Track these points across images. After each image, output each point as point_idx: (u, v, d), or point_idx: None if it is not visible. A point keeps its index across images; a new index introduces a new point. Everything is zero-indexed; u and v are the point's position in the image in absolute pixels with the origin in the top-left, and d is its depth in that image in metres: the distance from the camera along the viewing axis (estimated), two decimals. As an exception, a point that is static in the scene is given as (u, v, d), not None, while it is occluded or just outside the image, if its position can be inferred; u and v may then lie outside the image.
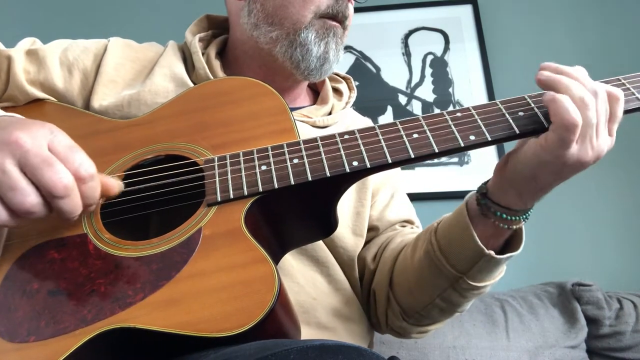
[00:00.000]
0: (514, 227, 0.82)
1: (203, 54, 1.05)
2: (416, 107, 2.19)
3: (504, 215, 0.80)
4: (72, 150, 0.67)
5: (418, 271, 0.92)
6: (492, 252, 0.82)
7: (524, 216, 0.81)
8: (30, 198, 0.63)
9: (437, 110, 2.13)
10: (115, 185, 0.74)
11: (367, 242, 1.08)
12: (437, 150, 0.74)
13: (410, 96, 2.21)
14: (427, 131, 0.76)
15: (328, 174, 0.74)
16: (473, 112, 0.77)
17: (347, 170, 0.74)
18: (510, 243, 0.86)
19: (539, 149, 0.72)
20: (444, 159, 2.11)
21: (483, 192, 0.82)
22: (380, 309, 1.03)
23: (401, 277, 0.97)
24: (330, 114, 1.11)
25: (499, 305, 1.66)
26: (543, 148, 0.72)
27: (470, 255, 0.84)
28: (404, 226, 1.11)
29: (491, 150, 2.10)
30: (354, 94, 1.17)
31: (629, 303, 1.65)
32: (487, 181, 0.84)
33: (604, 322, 1.61)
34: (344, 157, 0.75)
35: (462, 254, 0.85)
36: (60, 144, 0.67)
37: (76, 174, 0.66)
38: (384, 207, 1.11)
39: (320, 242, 0.98)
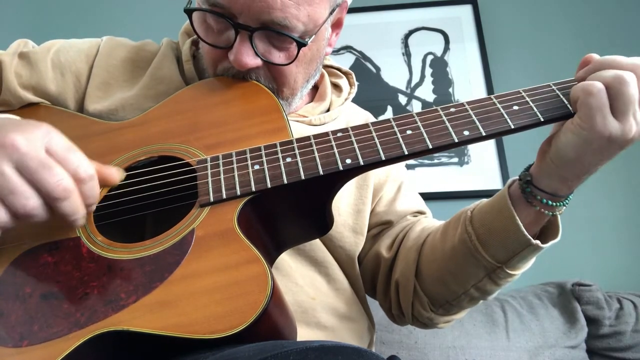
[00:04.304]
0: (558, 213, 0.81)
1: (194, 57, 1.03)
2: (416, 107, 2.19)
3: (550, 202, 0.79)
4: (70, 151, 0.67)
5: (451, 261, 0.91)
6: (538, 242, 0.81)
7: (566, 201, 0.81)
8: (31, 201, 0.63)
9: (436, 110, 2.13)
10: (116, 173, 0.75)
11: (376, 236, 1.07)
12: (430, 146, 0.74)
13: (410, 96, 2.21)
14: (421, 127, 0.75)
15: (321, 172, 0.73)
16: (467, 107, 0.76)
17: (340, 168, 0.74)
18: (544, 229, 0.85)
19: (578, 128, 0.72)
20: (444, 159, 2.10)
21: (527, 179, 0.81)
22: (405, 301, 1.01)
23: (431, 266, 0.96)
24: (328, 110, 1.09)
25: (499, 305, 1.65)
26: (581, 127, 0.71)
27: (512, 245, 0.83)
28: (415, 216, 1.10)
29: (491, 150, 2.10)
30: (354, 90, 1.16)
31: (629, 303, 1.64)
32: (528, 167, 0.83)
33: (604, 322, 1.60)
34: (337, 155, 0.75)
35: (503, 243, 0.84)
36: (57, 145, 0.66)
37: (75, 175, 0.66)
38: (392, 200, 1.09)
39: (319, 241, 0.98)
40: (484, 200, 0.91)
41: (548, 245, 0.83)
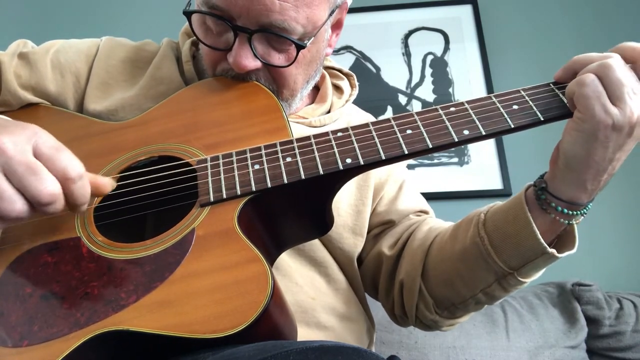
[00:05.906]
0: (574, 222, 0.80)
1: (194, 58, 1.03)
2: (416, 107, 2.19)
3: (566, 211, 0.78)
4: (58, 151, 0.66)
5: (460, 263, 0.90)
6: (554, 251, 0.80)
7: (584, 210, 0.79)
8: (17, 205, 0.63)
9: (436, 110, 2.13)
10: (107, 183, 0.74)
11: (378, 235, 1.07)
12: (430, 146, 0.74)
13: (410, 96, 2.21)
14: (421, 127, 0.75)
15: (321, 172, 0.73)
16: (467, 106, 0.76)
17: (340, 167, 0.73)
18: (559, 239, 0.84)
19: (579, 122, 0.72)
20: (444, 159, 2.10)
21: (542, 186, 0.80)
22: (410, 302, 1.00)
23: (438, 268, 0.95)
24: (329, 112, 1.09)
25: (499, 305, 1.65)
26: (582, 119, 0.71)
27: (527, 252, 0.81)
28: (419, 215, 1.09)
29: (491, 150, 2.10)
30: (356, 92, 1.15)
31: (629, 303, 1.64)
32: (544, 174, 0.81)
33: (604, 322, 1.60)
34: (337, 154, 0.75)
35: (517, 250, 0.82)
36: (45, 145, 0.66)
37: (64, 175, 0.65)
38: (393, 199, 1.08)
39: (318, 241, 0.97)
40: (498, 203, 0.90)
41: (564, 255, 0.82)
